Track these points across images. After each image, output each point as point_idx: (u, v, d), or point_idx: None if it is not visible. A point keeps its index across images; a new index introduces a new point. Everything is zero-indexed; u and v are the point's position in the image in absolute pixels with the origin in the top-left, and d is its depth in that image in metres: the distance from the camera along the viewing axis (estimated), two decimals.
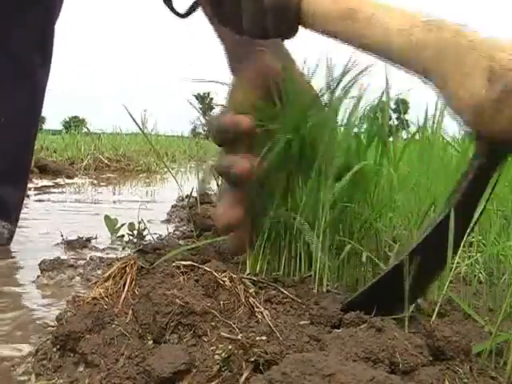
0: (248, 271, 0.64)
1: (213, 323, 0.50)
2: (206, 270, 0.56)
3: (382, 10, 0.53)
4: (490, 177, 0.48)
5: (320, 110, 0.67)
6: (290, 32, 0.61)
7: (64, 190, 2.53)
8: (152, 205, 1.92)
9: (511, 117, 0.44)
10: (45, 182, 2.69)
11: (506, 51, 0.44)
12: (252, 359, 0.43)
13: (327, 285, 0.62)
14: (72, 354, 0.52)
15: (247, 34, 0.62)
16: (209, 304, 0.51)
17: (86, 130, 5.34)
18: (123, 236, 1.21)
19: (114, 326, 0.52)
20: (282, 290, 0.58)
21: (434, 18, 0.50)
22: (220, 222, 0.67)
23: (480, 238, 0.71)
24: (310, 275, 0.64)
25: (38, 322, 0.68)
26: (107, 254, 1.08)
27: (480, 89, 0.44)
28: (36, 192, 2.27)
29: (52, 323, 0.62)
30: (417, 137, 0.75)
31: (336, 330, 0.50)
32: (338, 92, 0.65)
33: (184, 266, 0.58)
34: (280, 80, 0.66)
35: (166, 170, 3.63)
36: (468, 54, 0.46)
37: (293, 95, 0.64)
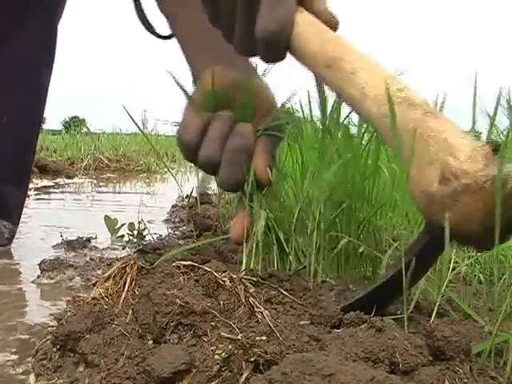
0: (243, 268, 0.65)
1: (213, 323, 0.50)
2: (206, 270, 0.56)
3: (363, 66, 0.54)
4: (438, 251, 0.51)
5: (277, 119, 0.69)
6: (278, 60, 0.61)
7: (64, 190, 2.53)
8: (152, 205, 1.92)
9: (454, 217, 0.46)
10: (45, 182, 2.69)
11: (460, 158, 0.46)
12: (252, 359, 0.43)
13: (321, 276, 0.63)
14: (72, 354, 0.52)
15: (235, 49, 0.62)
16: (209, 304, 0.51)
17: (86, 129, 5.33)
18: (123, 236, 1.21)
19: (114, 325, 0.52)
20: (282, 290, 0.58)
21: (407, 90, 0.52)
22: (235, 235, 0.68)
23: None
24: (305, 267, 0.65)
25: (37, 321, 0.68)
26: (107, 254, 1.08)
27: (434, 183, 0.47)
28: (36, 192, 2.27)
29: (52, 323, 0.62)
30: None
31: (336, 330, 0.50)
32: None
33: (184, 265, 0.58)
34: (232, 87, 0.68)
35: (166, 169, 3.64)
36: (428, 148, 0.48)
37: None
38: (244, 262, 0.65)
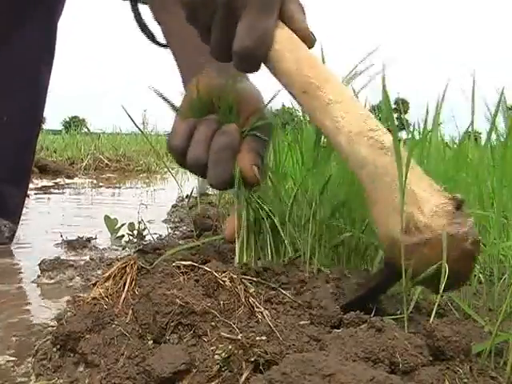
0: (236, 261, 0.65)
1: (213, 323, 0.50)
2: (206, 270, 0.56)
3: (340, 99, 0.55)
4: (393, 281, 0.55)
5: (263, 119, 0.70)
6: (251, 72, 0.62)
7: (64, 190, 2.53)
8: (152, 205, 1.92)
9: (414, 263, 0.49)
10: (45, 182, 2.69)
11: (425, 213, 0.49)
12: (252, 359, 0.43)
13: (317, 264, 0.64)
14: (72, 354, 0.52)
15: (210, 53, 0.63)
16: (209, 304, 0.51)
17: (86, 130, 5.33)
18: (123, 236, 1.21)
19: (114, 325, 0.52)
20: (282, 290, 0.58)
21: (380, 130, 0.53)
22: (228, 233, 0.71)
23: (480, 237, 0.71)
24: (299, 256, 0.66)
25: (37, 321, 0.68)
26: (107, 254, 1.08)
27: (398, 230, 0.50)
28: (36, 192, 2.27)
29: (52, 323, 0.62)
30: (416, 137, 0.75)
31: (336, 330, 0.50)
32: None
33: (184, 266, 0.58)
34: (217, 92, 0.70)
35: (166, 170, 3.63)
36: (396, 197, 0.50)
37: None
38: (237, 256, 0.66)
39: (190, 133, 0.69)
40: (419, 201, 0.50)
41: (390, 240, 0.51)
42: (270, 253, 0.68)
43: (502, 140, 0.66)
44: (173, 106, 0.73)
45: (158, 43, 0.85)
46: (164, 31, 0.81)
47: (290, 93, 0.59)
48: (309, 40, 0.59)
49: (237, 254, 0.66)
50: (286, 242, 0.67)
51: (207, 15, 0.60)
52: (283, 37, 0.58)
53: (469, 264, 0.49)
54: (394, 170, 0.51)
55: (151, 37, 0.85)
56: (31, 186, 2.41)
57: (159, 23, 0.81)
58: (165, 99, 0.73)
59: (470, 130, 0.69)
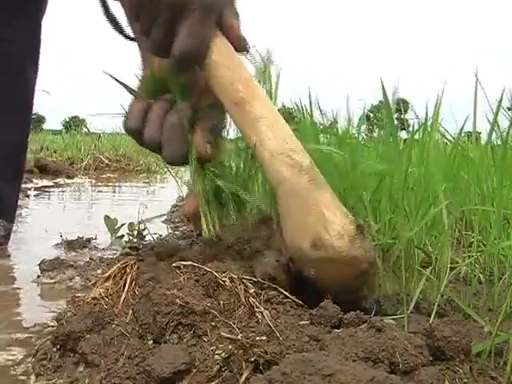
0: (206, 234, 0.66)
1: (213, 323, 0.50)
2: (206, 270, 0.56)
3: (267, 116, 0.59)
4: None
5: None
6: (186, 72, 0.66)
7: (64, 189, 2.53)
8: (152, 205, 1.92)
9: (317, 274, 0.55)
10: (45, 182, 2.69)
11: (331, 233, 0.54)
12: (252, 359, 0.43)
13: None
14: (72, 354, 0.52)
15: (149, 48, 0.65)
16: (209, 304, 0.51)
17: (86, 130, 5.33)
18: (123, 236, 1.21)
19: (114, 325, 0.52)
20: (282, 290, 0.58)
21: (300, 151, 0.57)
22: (186, 212, 0.74)
23: (480, 238, 0.71)
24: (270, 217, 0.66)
25: (37, 322, 0.68)
26: (107, 254, 1.08)
27: (306, 245, 0.55)
28: (36, 192, 2.27)
29: (52, 323, 0.62)
30: (416, 136, 0.75)
31: (336, 330, 0.50)
32: None
33: (184, 265, 0.58)
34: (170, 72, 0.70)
35: (165, 169, 3.63)
36: (307, 215, 0.56)
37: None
38: (204, 228, 0.66)
39: (144, 113, 0.70)
40: (327, 222, 0.55)
41: (296, 251, 0.56)
42: (234, 218, 0.68)
43: (503, 139, 0.66)
44: (129, 89, 0.74)
45: (125, 36, 0.86)
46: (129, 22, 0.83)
47: (223, 102, 0.62)
48: (244, 48, 0.64)
49: (204, 227, 0.67)
50: (248, 205, 0.67)
51: (150, 15, 0.63)
52: (220, 46, 0.62)
53: (363, 282, 0.56)
54: (308, 192, 0.56)
55: (119, 29, 0.86)
56: (31, 185, 2.41)
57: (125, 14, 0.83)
58: (120, 82, 0.74)
59: (470, 129, 0.70)
